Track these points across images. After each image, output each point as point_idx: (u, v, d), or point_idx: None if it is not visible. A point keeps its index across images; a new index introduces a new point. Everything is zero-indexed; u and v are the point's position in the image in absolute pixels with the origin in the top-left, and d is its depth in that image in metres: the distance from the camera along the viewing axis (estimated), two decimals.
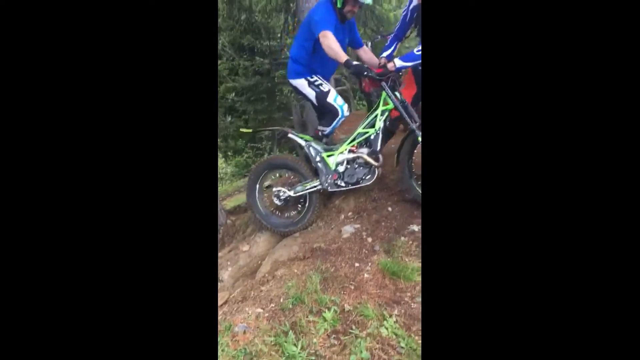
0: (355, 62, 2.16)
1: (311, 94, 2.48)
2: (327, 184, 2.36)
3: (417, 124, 2.11)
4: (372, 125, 2.28)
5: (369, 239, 2.11)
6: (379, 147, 2.28)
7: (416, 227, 2.11)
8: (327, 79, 2.58)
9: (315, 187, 2.41)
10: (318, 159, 2.39)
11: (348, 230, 2.23)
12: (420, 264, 1.81)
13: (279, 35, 5.79)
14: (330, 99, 2.44)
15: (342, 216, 2.48)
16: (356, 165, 2.33)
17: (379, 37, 3.66)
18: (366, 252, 2.00)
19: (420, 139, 2.11)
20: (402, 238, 2.03)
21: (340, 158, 2.35)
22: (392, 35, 2.52)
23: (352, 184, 2.35)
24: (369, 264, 1.89)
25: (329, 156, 2.37)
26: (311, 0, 3.17)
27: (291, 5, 4.95)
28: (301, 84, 2.49)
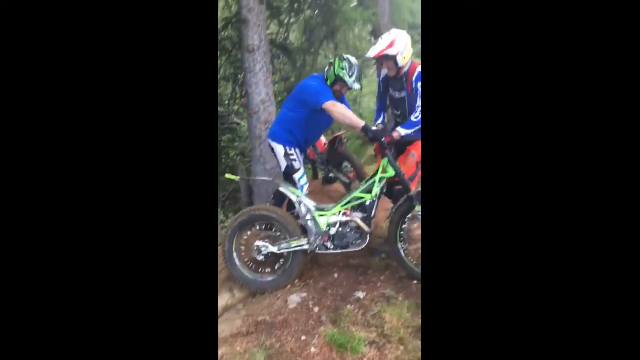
0: (374, 127, 2.24)
1: (283, 163, 2.60)
2: (315, 245, 2.28)
3: (414, 192, 2.17)
4: (369, 191, 2.28)
5: (315, 309, 2.07)
6: (373, 214, 2.29)
7: (361, 294, 2.13)
8: (308, 146, 2.75)
9: (301, 245, 2.30)
10: (308, 217, 2.31)
11: (294, 299, 2.17)
12: (366, 333, 1.80)
13: (226, 102, 5.97)
14: (296, 176, 2.58)
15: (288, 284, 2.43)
16: (348, 229, 2.29)
17: None
18: (312, 323, 1.95)
19: (417, 207, 2.15)
20: (348, 306, 2.03)
21: (332, 219, 2.30)
22: (376, 108, 2.79)
23: (341, 248, 2.30)
24: (316, 336, 1.84)
25: (320, 215, 2.31)
26: (258, 74, 3.38)
27: (239, 76, 5.21)
28: (278, 150, 2.59)
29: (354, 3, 5.22)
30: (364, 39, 7.10)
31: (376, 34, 5.26)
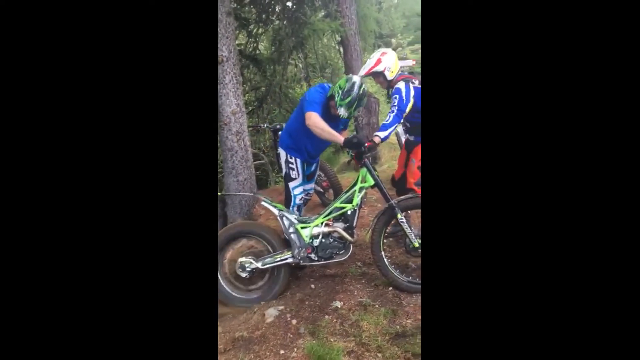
0: (352, 136, 2.20)
1: (283, 169, 2.65)
2: (299, 257, 2.29)
3: (395, 201, 2.20)
4: (350, 201, 2.30)
5: (294, 321, 2.06)
6: (355, 223, 2.31)
7: (339, 304, 2.14)
8: (319, 154, 2.73)
9: (286, 259, 2.30)
10: (291, 230, 2.32)
11: (272, 313, 2.16)
12: (344, 343, 1.82)
13: None
14: (292, 184, 2.60)
15: None
16: (331, 240, 2.32)
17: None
18: (291, 336, 1.94)
19: (399, 215, 2.17)
20: (326, 317, 2.04)
21: (315, 231, 2.31)
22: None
23: (326, 259, 2.31)
24: (295, 349, 1.83)
25: (303, 228, 2.32)
26: (228, 86, 3.35)
27: None
28: (282, 155, 2.62)
29: (322, 14, 5.29)
30: (333, 48, 7.20)
31: (344, 43, 5.36)
